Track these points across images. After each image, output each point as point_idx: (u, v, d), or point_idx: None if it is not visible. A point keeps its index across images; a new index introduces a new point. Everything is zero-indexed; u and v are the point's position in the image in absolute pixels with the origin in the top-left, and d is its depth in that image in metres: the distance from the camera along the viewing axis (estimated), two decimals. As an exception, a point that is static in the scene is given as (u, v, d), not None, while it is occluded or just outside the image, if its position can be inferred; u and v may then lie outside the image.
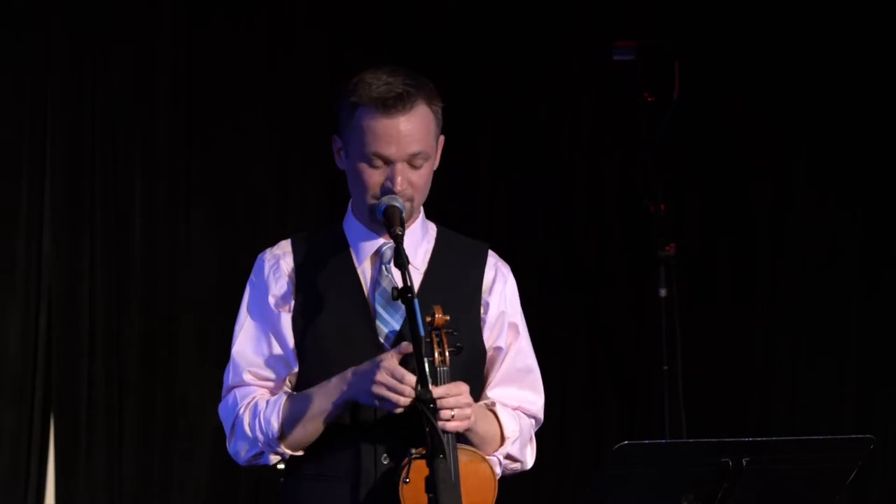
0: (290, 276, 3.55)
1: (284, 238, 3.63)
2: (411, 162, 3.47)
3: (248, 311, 3.58)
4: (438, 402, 3.30)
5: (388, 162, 3.46)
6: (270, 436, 3.49)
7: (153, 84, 6.14)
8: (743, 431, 6.28)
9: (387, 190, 3.46)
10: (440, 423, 3.31)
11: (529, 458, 3.63)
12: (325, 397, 3.45)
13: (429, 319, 3.38)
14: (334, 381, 3.44)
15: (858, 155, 6.56)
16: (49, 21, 6.01)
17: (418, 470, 3.30)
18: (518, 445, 3.57)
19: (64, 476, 6.01)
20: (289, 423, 3.49)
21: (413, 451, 3.35)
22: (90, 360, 6.03)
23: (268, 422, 3.49)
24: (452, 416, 3.34)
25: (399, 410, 3.35)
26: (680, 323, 6.08)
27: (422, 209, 3.62)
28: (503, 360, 3.61)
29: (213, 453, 6.07)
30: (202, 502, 6.14)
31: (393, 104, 3.44)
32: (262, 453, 3.52)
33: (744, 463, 3.29)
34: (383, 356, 3.37)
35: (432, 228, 3.65)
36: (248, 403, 3.53)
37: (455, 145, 6.22)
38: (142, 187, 6.12)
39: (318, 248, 3.57)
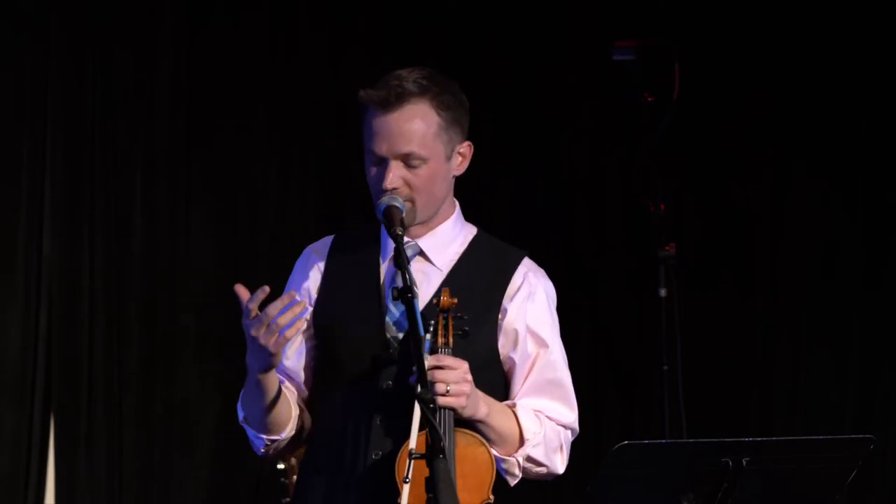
0: (319, 270, 3.54)
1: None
2: (406, 162, 3.44)
3: None
4: (430, 373, 3.25)
5: (383, 159, 3.44)
6: (241, 420, 3.49)
7: (153, 84, 6.14)
8: (743, 431, 6.27)
9: (381, 187, 3.43)
10: (437, 399, 3.25)
11: (560, 465, 3.58)
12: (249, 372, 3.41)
13: (435, 302, 3.38)
14: None
15: (859, 155, 6.55)
16: (49, 21, 6.01)
17: (418, 470, 3.30)
18: (542, 450, 3.51)
19: (64, 476, 6.01)
20: (245, 404, 3.47)
21: (413, 450, 3.34)
22: (90, 360, 6.02)
23: (238, 409, 3.50)
24: (447, 391, 3.30)
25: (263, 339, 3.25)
26: (680, 323, 6.08)
27: (457, 207, 3.60)
28: (530, 372, 3.53)
29: (213, 453, 6.07)
30: (202, 502, 6.14)
31: (385, 101, 3.41)
32: (251, 440, 3.52)
33: (744, 463, 3.28)
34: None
35: (470, 231, 3.62)
36: None
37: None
38: (142, 187, 6.12)
39: (353, 244, 3.57)
